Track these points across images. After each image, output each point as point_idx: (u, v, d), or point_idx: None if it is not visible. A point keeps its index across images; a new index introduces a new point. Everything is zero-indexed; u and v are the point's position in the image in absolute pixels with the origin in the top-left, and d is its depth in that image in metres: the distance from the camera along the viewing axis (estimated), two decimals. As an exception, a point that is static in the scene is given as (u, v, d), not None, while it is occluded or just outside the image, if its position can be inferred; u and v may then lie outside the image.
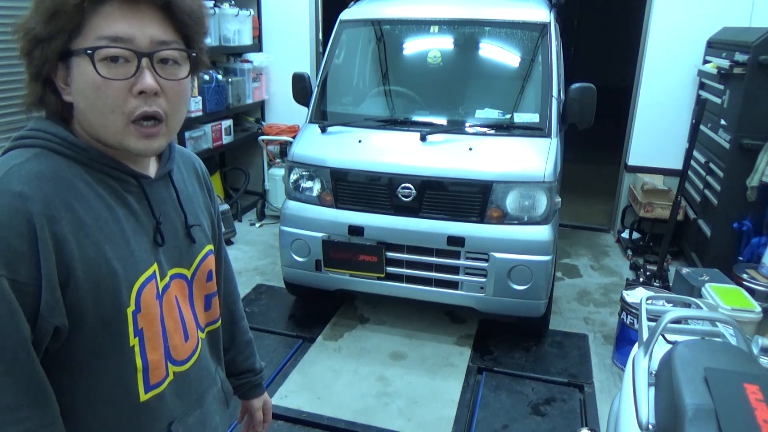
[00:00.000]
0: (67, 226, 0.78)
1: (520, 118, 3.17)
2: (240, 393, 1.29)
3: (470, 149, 2.99)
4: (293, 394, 2.76)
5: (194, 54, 0.88)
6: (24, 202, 0.75)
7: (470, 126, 3.19)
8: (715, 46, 4.12)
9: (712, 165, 3.87)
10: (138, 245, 0.88)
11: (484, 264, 2.92)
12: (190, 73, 0.89)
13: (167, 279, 0.93)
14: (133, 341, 0.86)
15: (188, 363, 0.98)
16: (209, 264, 1.04)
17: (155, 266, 0.90)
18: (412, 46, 3.60)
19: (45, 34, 0.79)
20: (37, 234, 0.75)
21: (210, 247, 1.05)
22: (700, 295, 2.81)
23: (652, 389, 1.50)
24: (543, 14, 3.35)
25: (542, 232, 2.89)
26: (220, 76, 4.56)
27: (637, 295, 2.93)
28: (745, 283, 3.04)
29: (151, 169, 0.95)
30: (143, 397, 0.89)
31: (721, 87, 3.80)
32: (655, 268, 3.70)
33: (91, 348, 0.83)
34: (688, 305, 2.06)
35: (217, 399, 1.09)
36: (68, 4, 0.77)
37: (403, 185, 2.96)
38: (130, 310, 0.85)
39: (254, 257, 4.31)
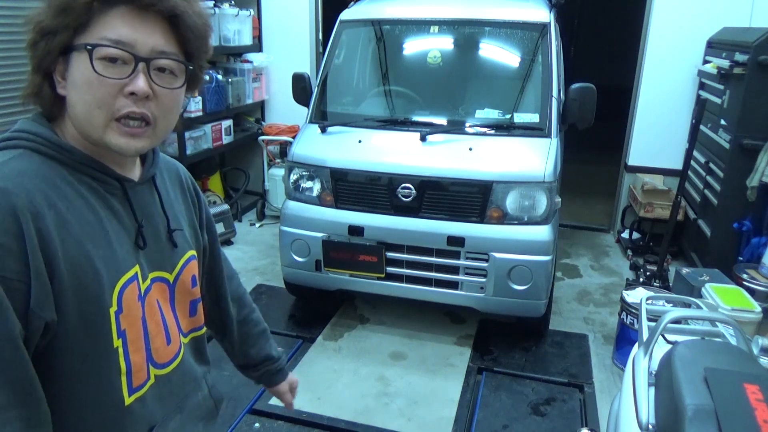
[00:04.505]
0: (50, 222, 0.78)
1: (520, 118, 3.17)
2: (263, 382, 1.34)
3: (470, 149, 2.98)
4: (293, 394, 2.76)
5: (191, 68, 0.89)
6: (7, 197, 0.75)
7: (470, 126, 3.19)
8: (715, 46, 4.12)
9: (712, 165, 3.87)
10: (120, 246, 0.88)
11: (484, 264, 2.92)
12: (185, 87, 0.90)
13: (148, 282, 0.93)
14: (117, 342, 0.86)
15: (170, 366, 0.97)
16: (192, 269, 1.04)
17: (137, 268, 0.90)
18: (412, 46, 3.60)
19: (52, 28, 0.81)
20: (23, 229, 0.75)
21: (192, 252, 1.05)
22: (700, 295, 2.80)
23: (652, 389, 1.50)
24: (543, 14, 3.35)
25: (542, 232, 2.89)
26: (220, 76, 4.55)
27: (637, 295, 2.93)
28: (745, 283, 3.04)
29: (135, 173, 0.95)
30: (128, 400, 0.89)
31: (721, 87, 3.80)
32: (655, 268, 3.70)
33: (74, 349, 0.82)
34: (688, 305, 2.06)
35: (202, 405, 1.07)
36: (78, 1, 0.79)
37: (403, 185, 2.96)
38: (112, 311, 0.84)
39: (254, 257, 4.31)
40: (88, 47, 0.80)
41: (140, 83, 0.82)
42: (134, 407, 0.90)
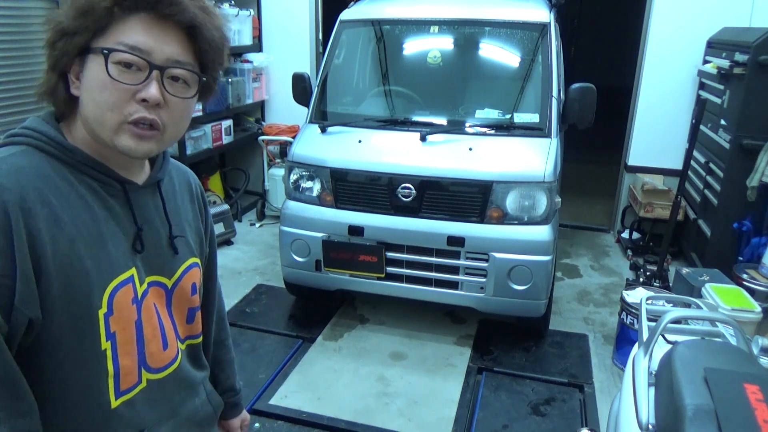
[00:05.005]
0: (42, 220, 0.78)
1: (520, 118, 3.17)
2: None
3: (470, 149, 2.98)
4: (293, 394, 2.76)
5: (205, 79, 0.90)
6: None
7: (470, 126, 3.19)
8: (715, 46, 4.12)
9: (712, 165, 3.87)
10: (115, 248, 0.88)
11: (484, 264, 2.92)
12: (197, 96, 0.91)
13: (145, 285, 0.93)
14: (105, 345, 0.85)
15: (165, 371, 0.97)
16: (193, 277, 1.03)
17: (133, 270, 0.90)
18: (412, 46, 3.60)
19: (71, 29, 0.82)
20: (12, 226, 0.75)
21: (194, 260, 1.04)
22: (700, 295, 2.81)
23: (652, 389, 1.50)
24: (543, 14, 3.35)
25: (542, 232, 2.89)
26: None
27: (637, 295, 2.93)
28: (745, 283, 3.04)
29: (142, 177, 0.96)
30: (114, 403, 0.88)
31: (721, 87, 3.80)
32: (655, 268, 3.70)
33: (61, 349, 0.82)
34: (688, 305, 2.06)
35: (200, 411, 1.07)
36: (100, 6, 0.81)
37: (403, 185, 2.96)
38: (101, 312, 0.84)
39: (254, 257, 4.31)
40: (105, 51, 0.81)
41: (152, 90, 0.83)
42: (121, 410, 0.89)
